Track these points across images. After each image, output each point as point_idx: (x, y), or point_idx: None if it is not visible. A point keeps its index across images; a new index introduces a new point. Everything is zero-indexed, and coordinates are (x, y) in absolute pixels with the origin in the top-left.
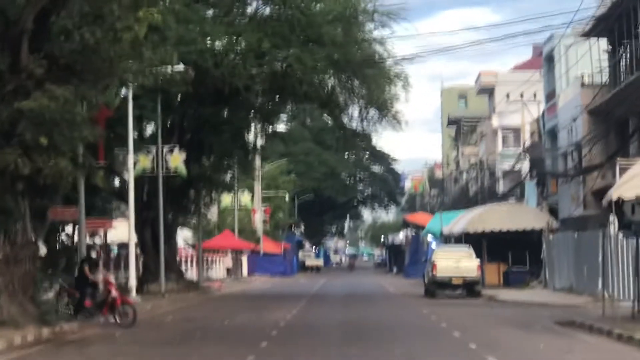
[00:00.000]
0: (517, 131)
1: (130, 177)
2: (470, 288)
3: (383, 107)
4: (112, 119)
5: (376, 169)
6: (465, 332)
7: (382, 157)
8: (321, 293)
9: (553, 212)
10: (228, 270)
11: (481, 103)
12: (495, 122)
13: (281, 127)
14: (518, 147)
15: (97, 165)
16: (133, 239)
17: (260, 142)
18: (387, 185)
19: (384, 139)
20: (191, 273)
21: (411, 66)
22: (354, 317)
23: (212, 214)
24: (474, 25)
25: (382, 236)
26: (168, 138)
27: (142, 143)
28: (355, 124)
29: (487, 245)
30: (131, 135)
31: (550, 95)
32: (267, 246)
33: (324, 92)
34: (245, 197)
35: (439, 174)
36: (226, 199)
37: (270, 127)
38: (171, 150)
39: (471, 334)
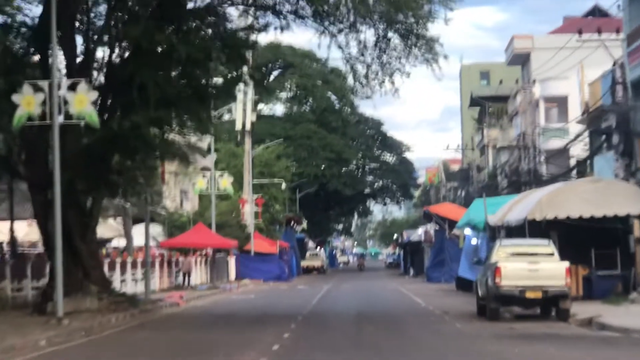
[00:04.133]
0: (562, 102)
1: None
2: (552, 305)
3: (410, 32)
4: None
5: (387, 158)
6: None
7: (393, 145)
8: (321, 310)
9: None
10: (186, 276)
11: (507, 80)
12: (537, 91)
13: (279, 110)
14: (564, 122)
15: None
16: None
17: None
18: (400, 176)
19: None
20: (154, 281)
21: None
22: None
23: (189, 203)
24: (481, 24)
25: (395, 234)
26: (82, 73)
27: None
28: (369, 58)
29: (558, 239)
30: None
31: (635, 35)
32: (260, 245)
33: (323, 7)
34: (224, 181)
35: (453, 168)
36: (200, 182)
37: (243, 66)
38: (73, 87)
39: None
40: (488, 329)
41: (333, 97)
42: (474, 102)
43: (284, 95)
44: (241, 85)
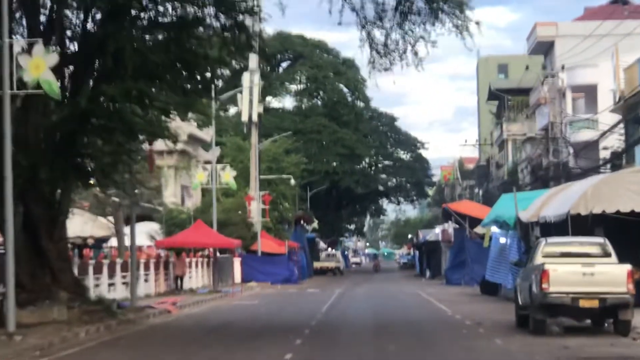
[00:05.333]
0: (591, 91)
1: None
2: (610, 316)
3: None
4: None
5: (401, 155)
6: None
7: (407, 142)
8: (333, 319)
9: None
10: (178, 280)
11: (527, 73)
12: (564, 79)
13: (289, 103)
14: (592, 113)
15: None
16: None
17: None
18: (414, 174)
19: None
20: (149, 284)
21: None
22: None
23: (191, 200)
24: (493, 24)
25: (409, 234)
26: (46, 38)
27: None
28: (389, 24)
29: (605, 237)
30: None
31: None
32: (267, 245)
33: None
34: (227, 174)
35: (468, 167)
36: (200, 175)
37: (242, 34)
38: (28, 50)
39: None
40: (536, 346)
41: (345, 90)
42: (493, 95)
43: (293, 87)
44: (246, 75)
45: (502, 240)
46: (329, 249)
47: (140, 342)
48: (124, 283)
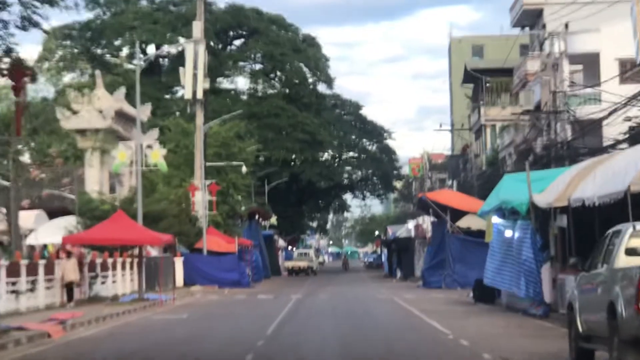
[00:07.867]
0: (591, 61)
1: None
2: None
3: None
4: None
5: (367, 146)
6: None
7: (373, 132)
8: (278, 351)
9: None
10: (68, 287)
11: (506, 52)
12: (566, 41)
13: (243, 83)
14: (592, 86)
15: None
16: None
17: None
18: (381, 166)
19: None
20: (53, 292)
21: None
22: None
23: (124, 189)
24: (456, 23)
25: (376, 231)
26: None
27: None
28: None
29: None
30: None
31: None
32: (214, 243)
33: None
34: (155, 154)
35: (436, 161)
36: (122, 155)
37: None
38: None
39: None
40: None
41: (305, 69)
42: (468, 77)
43: (248, 67)
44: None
45: (508, 233)
46: (290, 247)
47: None
48: (12, 292)
